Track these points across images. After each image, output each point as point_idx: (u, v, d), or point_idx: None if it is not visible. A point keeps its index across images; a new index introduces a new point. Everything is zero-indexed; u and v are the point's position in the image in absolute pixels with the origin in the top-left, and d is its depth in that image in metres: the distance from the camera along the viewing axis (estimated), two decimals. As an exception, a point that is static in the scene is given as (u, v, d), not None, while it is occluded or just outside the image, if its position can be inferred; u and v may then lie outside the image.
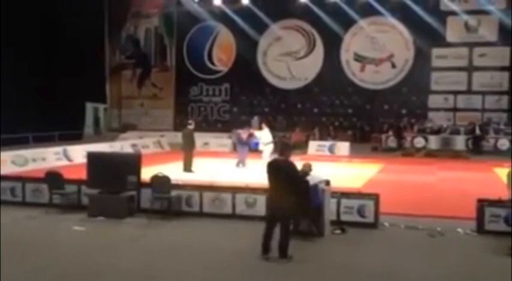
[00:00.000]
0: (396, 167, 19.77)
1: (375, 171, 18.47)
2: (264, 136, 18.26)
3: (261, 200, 10.25)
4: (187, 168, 17.06)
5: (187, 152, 17.35)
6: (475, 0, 27.47)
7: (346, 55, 30.54)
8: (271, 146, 17.94)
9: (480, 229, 9.40)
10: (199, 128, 29.93)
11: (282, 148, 8.39)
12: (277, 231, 7.93)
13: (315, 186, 9.19)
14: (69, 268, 7.56)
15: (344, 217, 9.91)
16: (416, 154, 24.33)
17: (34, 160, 18.81)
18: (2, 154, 18.14)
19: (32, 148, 21.56)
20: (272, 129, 29.49)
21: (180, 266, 7.72)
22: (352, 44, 30.35)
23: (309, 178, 9.23)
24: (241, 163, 18.17)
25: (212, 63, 33.21)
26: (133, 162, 11.21)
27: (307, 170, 8.39)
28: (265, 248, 7.92)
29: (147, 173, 11.42)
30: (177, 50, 33.70)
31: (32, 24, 27.66)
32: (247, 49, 31.44)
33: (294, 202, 7.86)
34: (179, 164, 17.46)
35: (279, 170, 7.94)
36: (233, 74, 32.36)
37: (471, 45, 28.31)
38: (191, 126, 17.93)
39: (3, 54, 24.77)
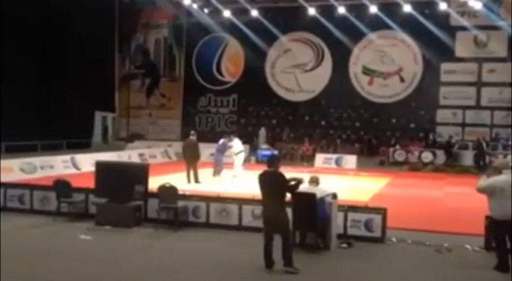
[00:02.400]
0: (403, 181, 19.70)
1: (382, 185, 18.41)
2: (234, 146, 18.52)
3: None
4: (195, 179, 17.03)
5: (192, 162, 17.25)
6: (485, 15, 27.45)
7: (354, 68, 30.58)
8: (242, 155, 18.61)
9: (488, 245, 9.30)
10: (206, 138, 30.17)
11: (271, 159, 8.39)
12: (277, 243, 7.92)
13: (322, 199, 9.18)
14: (75, 277, 7.57)
15: (351, 231, 9.88)
16: (424, 169, 24.23)
17: (42, 168, 18.91)
18: (11, 161, 18.29)
19: (40, 155, 21.67)
20: (280, 141, 29.84)
21: (186, 276, 7.71)
22: (360, 57, 30.39)
23: (316, 190, 9.23)
24: (217, 172, 18.09)
25: (220, 74, 33.34)
26: (141, 172, 11.27)
27: (300, 179, 8.39)
28: (268, 262, 7.92)
29: (154, 183, 11.45)
30: (186, 61, 33.86)
31: (43, 33, 27.90)
32: (255, 61, 31.54)
33: (286, 211, 7.96)
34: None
35: (269, 181, 7.99)
36: (241, 86, 32.44)
37: (480, 61, 28.28)
38: (194, 137, 17.90)
39: (14, 62, 24.97)
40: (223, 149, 18.45)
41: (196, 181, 16.96)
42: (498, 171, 8.44)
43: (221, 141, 18.72)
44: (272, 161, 8.23)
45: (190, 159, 17.26)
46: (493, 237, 8.46)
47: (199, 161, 17.52)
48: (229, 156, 19.03)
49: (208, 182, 16.98)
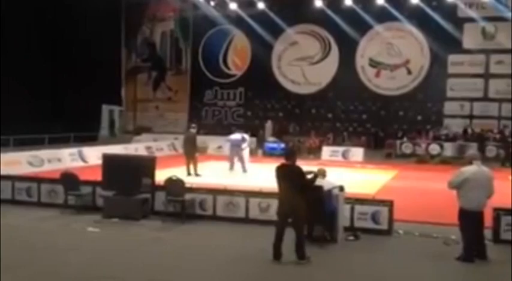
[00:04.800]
0: (410, 173, 19.66)
1: (389, 177, 18.38)
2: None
3: (275, 205, 10.20)
4: (194, 172, 16.86)
5: (190, 155, 17.13)
6: (493, 6, 27.22)
7: (361, 61, 30.44)
8: (248, 149, 18.64)
9: (496, 238, 9.29)
10: (213, 131, 30.22)
11: (289, 152, 8.40)
12: (288, 235, 7.94)
13: (329, 192, 9.17)
14: (83, 269, 7.61)
15: (358, 223, 9.87)
16: (431, 161, 24.15)
17: (50, 161, 18.99)
18: (19, 154, 18.39)
19: (47, 149, 21.74)
20: (286, 133, 29.79)
21: (194, 269, 7.73)
22: (367, 49, 30.24)
23: (323, 183, 9.21)
24: (244, 169, 17.95)
25: (227, 67, 33.29)
26: (147, 165, 11.30)
27: (317, 172, 8.39)
28: (277, 253, 7.93)
29: (161, 175, 11.47)
30: (192, 54, 33.83)
31: (49, 27, 27.96)
32: (262, 53, 31.46)
33: (303, 204, 7.94)
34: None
35: (287, 174, 8.01)
36: (248, 78, 32.38)
37: (488, 52, 28.05)
38: (194, 130, 17.82)
39: (21, 55, 25.06)
40: (241, 143, 18.12)
41: (196, 173, 16.85)
42: (469, 162, 8.51)
43: (239, 136, 18.30)
44: (290, 155, 8.29)
45: (188, 152, 17.25)
46: (462, 228, 8.41)
47: (197, 154, 17.34)
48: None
49: (214, 175, 16.97)
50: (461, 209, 8.31)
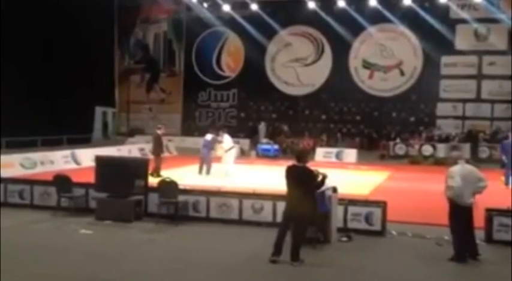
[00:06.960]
0: (404, 175, 19.71)
1: (383, 178, 18.43)
2: (225, 142, 17.94)
3: (268, 206, 10.29)
4: (156, 173, 16.04)
5: (156, 155, 16.95)
6: (485, 8, 27.38)
7: (354, 62, 30.53)
8: (233, 151, 18.29)
9: (488, 238, 9.33)
10: (206, 133, 30.13)
11: (301, 154, 8.36)
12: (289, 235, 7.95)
13: (322, 193, 9.17)
14: (76, 271, 7.58)
15: (351, 225, 9.89)
16: (424, 162, 24.23)
17: (42, 163, 18.92)
18: (12, 156, 18.29)
19: (40, 151, 21.66)
20: (279, 135, 29.83)
21: (187, 271, 7.72)
22: (360, 51, 30.34)
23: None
24: (207, 170, 17.39)
25: (220, 68, 33.30)
26: (141, 166, 11.29)
27: (325, 175, 8.40)
28: (278, 249, 7.89)
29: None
30: (185, 55, 33.81)
31: (43, 29, 27.85)
32: (255, 55, 31.49)
33: (312, 207, 7.94)
34: (186, 169, 17.45)
35: (298, 176, 7.98)
36: (241, 80, 32.41)
37: (480, 54, 28.22)
38: (159, 131, 17.61)
39: (15, 58, 24.95)
40: (211, 146, 17.68)
41: (158, 174, 15.98)
42: (454, 162, 8.73)
43: (209, 137, 17.89)
44: (302, 156, 8.23)
45: (153, 152, 17.19)
46: (452, 226, 8.47)
47: (162, 154, 17.09)
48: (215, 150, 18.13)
49: (207, 177, 16.95)
50: (452, 205, 8.35)
